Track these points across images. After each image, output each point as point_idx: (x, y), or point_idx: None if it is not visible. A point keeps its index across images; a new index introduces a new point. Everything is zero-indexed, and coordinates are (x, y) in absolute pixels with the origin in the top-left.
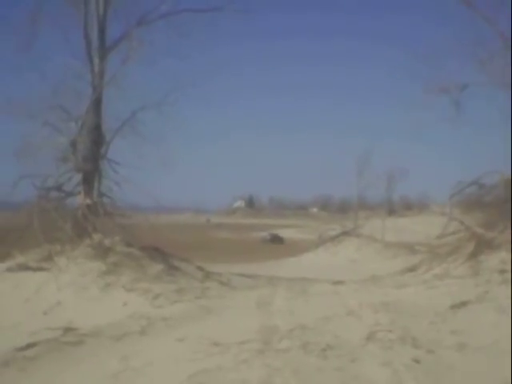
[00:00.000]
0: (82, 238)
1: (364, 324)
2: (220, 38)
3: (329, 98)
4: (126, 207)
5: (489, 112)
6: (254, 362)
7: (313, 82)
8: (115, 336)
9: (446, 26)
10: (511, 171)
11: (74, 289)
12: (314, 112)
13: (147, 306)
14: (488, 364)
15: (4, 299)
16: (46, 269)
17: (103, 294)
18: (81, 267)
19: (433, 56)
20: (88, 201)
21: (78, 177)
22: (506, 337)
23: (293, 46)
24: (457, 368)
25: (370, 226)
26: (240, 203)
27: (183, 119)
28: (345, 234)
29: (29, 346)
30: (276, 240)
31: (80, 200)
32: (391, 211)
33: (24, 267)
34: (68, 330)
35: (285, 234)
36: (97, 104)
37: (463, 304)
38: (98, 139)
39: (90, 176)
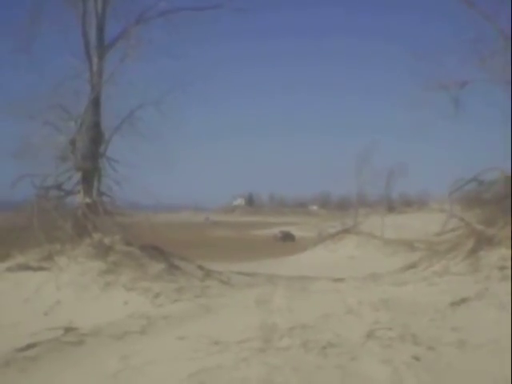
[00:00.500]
0: (82, 237)
1: (364, 322)
2: (219, 37)
3: (329, 96)
4: (125, 206)
5: (488, 109)
6: (254, 360)
7: (312, 80)
8: (115, 335)
9: (446, 23)
10: (511, 168)
11: (74, 288)
12: (313, 110)
13: (147, 305)
14: (488, 361)
15: (4, 299)
16: (46, 268)
17: (103, 294)
18: (81, 266)
19: (433, 53)
20: (88, 200)
21: (78, 176)
22: (506, 333)
23: (293, 44)
24: (457, 365)
25: (369, 224)
26: (239, 201)
27: (182, 117)
28: (344, 231)
29: (29, 346)
30: (288, 238)
31: (80, 199)
32: (391, 208)
33: (24, 267)
34: (68, 329)
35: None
36: (96, 102)
37: (463, 301)
38: (97, 138)
39: (90, 175)
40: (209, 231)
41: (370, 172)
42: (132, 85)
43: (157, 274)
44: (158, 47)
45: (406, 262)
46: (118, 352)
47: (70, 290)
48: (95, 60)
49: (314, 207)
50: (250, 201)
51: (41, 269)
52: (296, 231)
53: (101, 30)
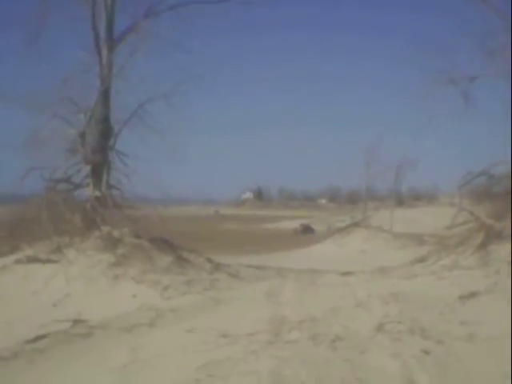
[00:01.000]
0: (91, 230)
1: (373, 315)
2: (228, 30)
3: (338, 91)
4: (134, 199)
5: (498, 103)
6: (263, 353)
7: (322, 75)
8: (124, 328)
9: (454, 18)
10: (511, 160)
11: (83, 281)
12: (323, 104)
13: (156, 298)
14: (497, 354)
15: (13, 291)
16: (54, 261)
17: (112, 286)
18: (90, 259)
19: (441, 48)
20: (97, 193)
21: (87, 169)
22: None
23: (303, 38)
24: (466, 359)
25: (378, 217)
26: (248, 195)
27: (192, 111)
28: (353, 225)
29: (38, 338)
30: (307, 230)
31: (89, 192)
32: (400, 202)
33: (33, 259)
34: (77, 321)
35: (294, 225)
36: (105, 96)
37: (472, 295)
38: (106, 131)
39: (99, 168)
40: (218, 224)
41: (379, 166)
42: (141, 78)
43: (166, 266)
44: (168, 41)
45: (416, 255)
46: (126, 344)
47: (79, 282)
48: (105, 53)
49: (323, 201)
50: (259, 194)
51: (49, 261)
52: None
53: (110, 23)
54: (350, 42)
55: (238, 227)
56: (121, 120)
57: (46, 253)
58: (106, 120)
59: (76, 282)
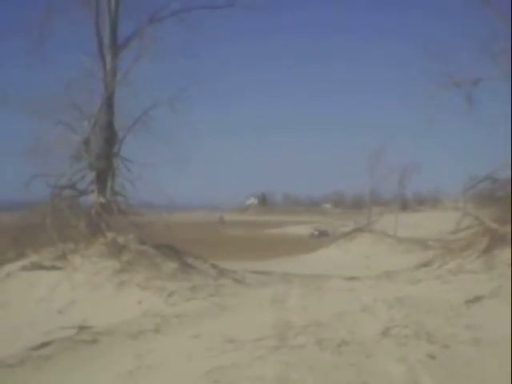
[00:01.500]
0: (96, 237)
1: (379, 320)
2: (232, 35)
3: (342, 95)
4: (139, 205)
5: (502, 106)
6: (269, 358)
7: (325, 79)
8: (130, 334)
9: (457, 20)
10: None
11: (88, 287)
12: (327, 108)
13: (161, 304)
14: (503, 358)
15: (18, 298)
16: (59, 267)
17: (117, 293)
18: (95, 266)
19: (444, 51)
20: (101, 199)
21: (92, 175)
22: None
23: (306, 42)
24: (472, 363)
25: (383, 222)
26: (253, 200)
27: (196, 116)
28: (358, 230)
29: (43, 344)
30: (323, 234)
31: (93, 198)
32: (404, 207)
33: (38, 266)
34: (82, 328)
35: (298, 230)
36: (109, 102)
37: (477, 299)
38: (110, 137)
39: (103, 174)
40: (222, 230)
41: (383, 170)
42: (145, 84)
43: (171, 272)
44: (171, 46)
45: (420, 260)
46: (132, 350)
47: (84, 289)
48: (109, 59)
49: (328, 206)
50: (264, 200)
51: (55, 268)
52: (309, 230)
53: (114, 29)
54: (353, 46)
55: (242, 233)
56: (125, 126)
57: (51, 259)
58: (110, 126)
59: (81, 289)
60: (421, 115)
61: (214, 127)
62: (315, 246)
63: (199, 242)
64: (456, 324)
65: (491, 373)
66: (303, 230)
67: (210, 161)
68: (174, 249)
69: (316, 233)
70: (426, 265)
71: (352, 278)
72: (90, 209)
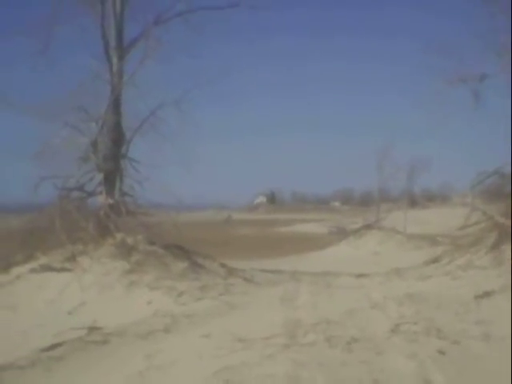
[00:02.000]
0: (105, 238)
1: (388, 316)
2: (238, 35)
3: (349, 93)
4: (147, 206)
5: (509, 102)
6: (280, 356)
7: (331, 78)
8: (140, 334)
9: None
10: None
11: (97, 288)
12: (334, 107)
13: (171, 304)
14: None
15: (28, 300)
16: (69, 269)
17: (127, 293)
18: (104, 267)
19: (450, 47)
20: (110, 200)
21: (100, 176)
22: None
23: (311, 42)
24: (482, 358)
25: (392, 219)
26: (261, 199)
27: (203, 116)
28: (367, 227)
29: (54, 346)
30: (341, 231)
31: (102, 200)
32: (413, 203)
33: (47, 268)
34: (92, 329)
35: (307, 228)
36: (116, 103)
37: (487, 294)
38: (118, 138)
39: (112, 175)
40: (231, 229)
41: (391, 167)
42: (152, 85)
43: (180, 272)
44: (177, 47)
45: (430, 256)
46: (142, 351)
47: (94, 290)
48: (115, 61)
49: (336, 203)
50: (272, 198)
51: (64, 270)
52: (319, 228)
53: (120, 31)
54: (358, 44)
55: (251, 232)
56: (132, 127)
57: (60, 261)
58: (117, 127)
59: (91, 290)
60: (428, 112)
61: (221, 126)
62: (324, 243)
63: (208, 242)
64: (466, 320)
65: (501, 368)
66: (313, 228)
67: (218, 160)
68: (183, 249)
69: (334, 229)
70: (435, 261)
71: (361, 275)
72: (98, 210)
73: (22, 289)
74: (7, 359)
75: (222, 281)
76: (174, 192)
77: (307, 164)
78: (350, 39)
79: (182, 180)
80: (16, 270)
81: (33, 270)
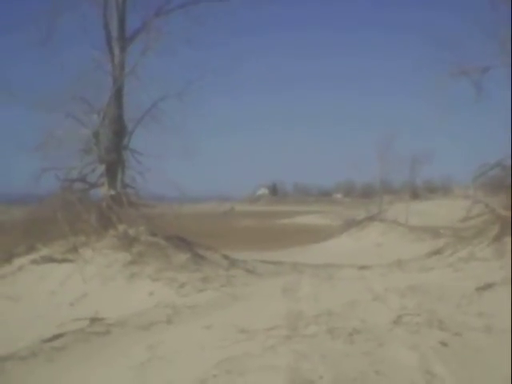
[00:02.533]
0: (107, 229)
1: (390, 308)
2: (240, 27)
3: (352, 86)
4: (149, 197)
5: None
6: (281, 348)
7: (335, 71)
8: (142, 325)
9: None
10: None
11: (99, 280)
12: (337, 99)
13: (173, 295)
14: None
15: (30, 291)
16: (71, 260)
17: (129, 284)
18: (106, 258)
19: (452, 39)
20: (112, 191)
21: (102, 168)
22: None
23: (316, 36)
24: (484, 350)
25: (394, 211)
26: (263, 191)
27: (205, 108)
28: (369, 218)
29: (56, 336)
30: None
31: (104, 191)
32: (415, 195)
33: (49, 259)
34: (94, 320)
35: (309, 220)
36: (118, 95)
37: (489, 286)
38: (120, 130)
39: (114, 167)
40: (233, 221)
41: (393, 159)
42: (153, 77)
43: (182, 264)
44: (179, 39)
45: (432, 248)
46: (144, 342)
47: (96, 281)
48: (117, 52)
49: (338, 195)
50: (274, 190)
51: (66, 261)
52: (320, 220)
53: (122, 22)
54: (360, 38)
55: (253, 223)
56: (134, 119)
57: (61, 252)
58: (119, 119)
59: (92, 281)
60: (430, 104)
61: (223, 118)
62: (326, 235)
63: (210, 233)
64: (468, 312)
65: (503, 360)
66: (314, 220)
67: (220, 152)
68: (185, 240)
69: (350, 220)
70: (437, 253)
71: (363, 267)
72: (100, 201)
73: (24, 280)
74: (9, 350)
75: (223, 272)
76: (176, 183)
77: (309, 156)
78: (352, 33)
79: (184, 171)
80: (18, 261)
81: (35, 261)
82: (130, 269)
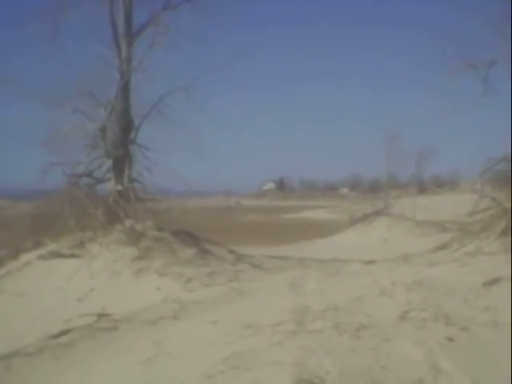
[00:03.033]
0: (114, 224)
1: (397, 303)
2: (248, 21)
3: (358, 81)
4: (156, 192)
5: None
6: (288, 343)
7: (340, 67)
8: (149, 321)
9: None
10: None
11: (106, 275)
12: (343, 94)
13: (180, 290)
14: None
15: (37, 287)
16: (78, 256)
17: (136, 280)
18: (113, 253)
19: (459, 34)
20: (119, 186)
21: (108, 163)
22: None
23: (322, 31)
24: (490, 345)
25: (400, 205)
26: (270, 185)
27: (212, 103)
28: (375, 213)
29: (63, 332)
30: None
31: (111, 186)
32: (422, 190)
33: (56, 255)
34: (101, 315)
35: (315, 214)
36: (125, 90)
37: (496, 281)
38: (126, 125)
39: (120, 162)
40: (240, 216)
41: (400, 153)
42: (160, 71)
43: (189, 259)
44: (186, 33)
45: (438, 242)
46: (151, 337)
47: (103, 276)
48: (124, 47)
49: (345, 190)
50: (281, 185)
51: (73, 256)
52: (327, 214)
53: (128, 17)
54: (367, 33)
55: (259, 218)
56: (141, 113)
57: (68, 248)
58: (126, 114)
59: (99, 277)
60: (437, 99)
61: (230, 113)
62: (333, 230)
63: (216, 228)
64: (474, 306)
65: (509, 355)
66: (321, 215)
67: (227, 146)
68: (192, 235)
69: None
70: (443, 247)
71: (370, 262)
72: (107, 197)
73: (31, 275)
74: (15, 346)
75: (230, 267)
76: (182, 178)
77: (316, 151)
78: (359, 28)
79: (191, 166)
80: (25, 257)
81: (41, 257)
82: (137, 264)
